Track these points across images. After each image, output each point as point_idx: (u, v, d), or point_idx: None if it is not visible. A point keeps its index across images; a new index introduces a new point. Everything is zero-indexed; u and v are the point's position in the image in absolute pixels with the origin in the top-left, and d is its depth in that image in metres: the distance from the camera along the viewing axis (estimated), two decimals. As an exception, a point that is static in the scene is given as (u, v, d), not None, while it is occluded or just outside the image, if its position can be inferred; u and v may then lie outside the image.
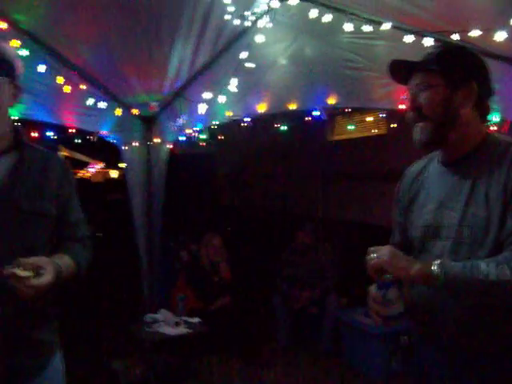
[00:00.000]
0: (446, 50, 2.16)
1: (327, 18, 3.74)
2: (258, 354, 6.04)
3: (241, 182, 10.01)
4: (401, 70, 2.14)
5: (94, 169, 16.97)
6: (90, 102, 4.88)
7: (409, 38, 3.66)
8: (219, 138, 6.09)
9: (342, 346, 6.09)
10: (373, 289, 1.96)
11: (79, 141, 5.67)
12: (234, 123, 5.66)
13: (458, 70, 2.03)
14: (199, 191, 9.42)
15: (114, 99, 5.21)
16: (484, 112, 2.07)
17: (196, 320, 5.42)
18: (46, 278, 1.91)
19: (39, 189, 2.14)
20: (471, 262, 1.79)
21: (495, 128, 4.13)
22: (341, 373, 5.67)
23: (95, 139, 5.47)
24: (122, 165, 5.98)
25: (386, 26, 3.69)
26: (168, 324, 5.21)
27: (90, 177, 16.73)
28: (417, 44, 3.63)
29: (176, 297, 5.78)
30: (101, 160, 16.12)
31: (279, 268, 6.71)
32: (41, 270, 1.90)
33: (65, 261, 2.12)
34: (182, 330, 5.18)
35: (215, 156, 10.01)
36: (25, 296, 1.88)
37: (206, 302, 6.19)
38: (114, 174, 15.99)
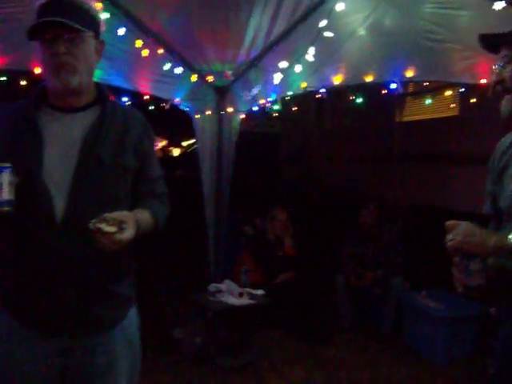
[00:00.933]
0: None
1: (412, -14, 3.66)
2: (319, 331, 6.01)
3: (306, 161, 9.98)
4: (489, 44, 2.09)
5: (156, 146, 17.20)
6: (167, 66, 4.89)
7: (499, 5, 3.48)
8: (293, 109, 6.03)
9: (403, 328, 6.03)
10: (457, 258, 1.95)
11: (153, 107, 5.70)
12: (306, 99, 5.62)
13: None
14: (262, 169, 9.43)
15: (188, 66, 5.22)
16: None
17: (259, 292, 5.44)
18: (129, 232, 1.95)
19: (120, 142, 2.17)
20: None
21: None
22: (401, 355, 5.63)
23: (168, 106, 5.50)
24: (185, 143, 6.03)
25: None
26: (232, 294, 5.23)
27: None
28: (507, 12, 3.50)
29: (240, 269, 5.80)
30: (164, 138, 16.32)
31: (343, 246, 6.66)
32: (123, 225, 1.93)
33: (144, 216, 2.16)
34: (245, 300, 5.20)
35: (280, 135, 9.99)
36: (107, 250, 1.92)
37: (270, 276, 6.20)
38: (176, 151, 16.17)
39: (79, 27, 2.02)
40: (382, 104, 5.98)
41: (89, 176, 2.07)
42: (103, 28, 2.22)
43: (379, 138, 8.28)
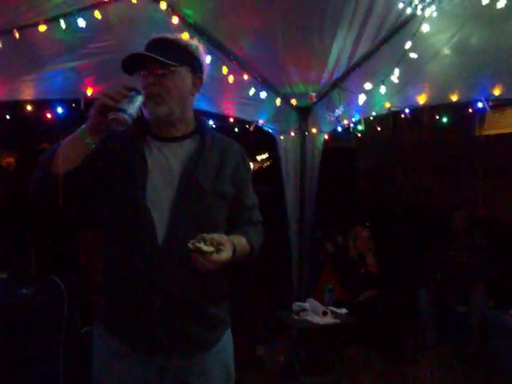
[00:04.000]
0: None
1: (501, 3, 3.62)
2: (402, 349, 5.96)
3: (384, 176, 9.91)
4: None
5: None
6: (252, 91, 5.02)
7: None
8: (377, 129, 6.03)
9: (491, 347, 5.87)
10: None
11: (237, 130, 5.81)
12: (391, 115, 5.61)
13: None
14: (343, 184, 9.41)
15: (271, 89, 5.31)
16: None
17: (343, 311, 5.44)
18: (226, 254, 2.01)
19: (219, 170, 2.25)
20: None
21: None
22: (486, 374, 5.48)
23: (253, 128, 5.60)
24: (260, 157, 6.11)
25: None
26: (315, 313, 5.25)
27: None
28: None
29: (322, 288, 5.81)
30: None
31: (433, 256, 6.61)
32: (220, 247, 2.00)
33: (241, 242, 2.22)
34: (329, 319, 5.20)
35: (357, 150, 9.96)
36: (204, 270, 1.98)
37: (352, 294, 6.19)
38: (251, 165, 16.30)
39: (168, 61, 2.12)
40: (462, 117, 5.90)
41: (188, 202, 2.16)
42: (206, 67, 2.34)
43: (459, 151, 8.17)
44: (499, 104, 6.07)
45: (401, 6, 3.87)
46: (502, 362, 5.68)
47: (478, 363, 5.76)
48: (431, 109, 5.19)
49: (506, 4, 3.59)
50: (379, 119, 5.76)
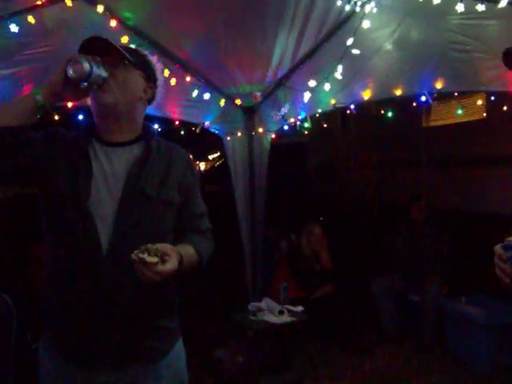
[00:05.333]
0: None
1: (437, -1, 3.67)
2: (360, 342, 6.01)
3: (334, 170, 9.99)
4: None
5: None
6: (195, 93, 4.99)
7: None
8: (324, 126, 6.08)
9: (446, 336, 5.98)
10: (498, 248, 1.91)
11: (183, 132, 5.77)
12: (331, 112, 5.63)
13: None
14: (293, 181, 9.44)
15: (216, 90, 5.28)
16: None
17: (299, 308, 5.44)
18: (171, 264, 1.96)
19: (164, 178, 2.22)
20: None
21: None
22: (443, 364, 5.60)
23: (199, 130, 5.56)
24: (211, 156, 6.08)
25: (503, 3, 3.57)
26: (272, 312, 5.24)
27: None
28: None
29: (277, 286, 5.81)
30: (190, 152, 16.41)
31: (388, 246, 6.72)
32: (165, 257, 1.95)
33: (188, 251, 2.17)
34: (285, 318, 5.20)
35: (307, 145, 10.00)
36: (148, 281, 1.93)
37: (308, 291, 6.21)
38: (202, 166, 16.25)
39: (126, 55, 2.10)
40: (408, 110, 5.97)
41: (133, 209, 2.12)
42: (158, 78, 2.33)
43: (406, 144, 8.28)
44: (444, 96, 6.18)
45: (339, 3, 3.87)
46: (456, 349, 5.80)
47: (434, 352, 5.85)
48: (376, 104, 5.23)
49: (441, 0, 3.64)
50: (328, 115, 5.79)
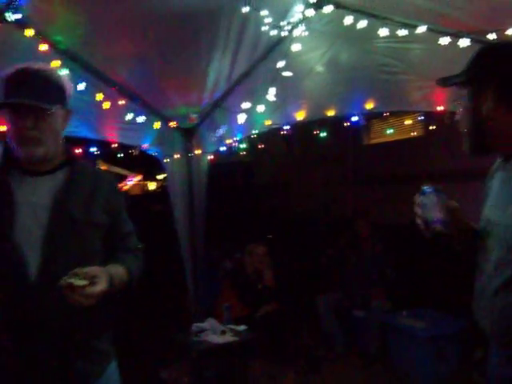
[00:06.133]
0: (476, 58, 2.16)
1: (362, 23, 3.80)
2: (306, 359, 6.05)
3: (279, 188, 10.06)
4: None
5: (132, 181, 17.18)
6: (129, 116, 4.98)
7: (445, 40, 3.69)
8: (259, 147, 6.15)
9: (390, 349, 6.07)
10: (416, 196, 2.14)
11: (122, 155, 5.76)
12: (274, 132, 5.70)
13: (473, 81, 2.09)
14: (239, 199, 9.47)
15: (153, 113, 5.30)
16: None
17: (242, 328, 5.45)
18: (100, 286, 1.98)
19: (90, 200, 2.24)
20: None
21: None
22: (389, 377, 5.66)
23: (137, 153, 5.56)
24: (160, 176, 6.07)
25: (421, 29, 3.73)
26: (214, 332, 5.24)
27: (128, 190, 16.94)
28: (453, 45, 3.66)
29: (221, 306, 5.82)
30: (139, 172, 16.34)
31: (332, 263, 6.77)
32: (95, 279, 1.97)
33: (117, 270, 2.20)
34: (228, 338, 5.20)
35: (253, 164, 10.06)
36: (80, 305, 1.94)
37: (252, 310, 6.23)
38: (152, 185, 16.21)
39: (46, 106, 2.10)
40: (349, 128, 6.09)
41: (60, 233, 2.13)
42: (70, 93, 2.29)
43: (348, 162, 8.42)
44: (383, 114, 6.34)
45: (264, 29, 3.94)
46: (399, 361, 5.90)
47: (379, 366, 5.93)
48: (310, 124, 5.32)
49: (367, 24, 3.75)
50: (273, 134, 5.85)
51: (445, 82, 2.23)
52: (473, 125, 2.10)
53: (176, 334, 5.50)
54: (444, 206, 2.08)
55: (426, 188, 2.13)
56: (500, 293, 1.99)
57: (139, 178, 16.83)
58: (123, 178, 17.32)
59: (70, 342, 2.13)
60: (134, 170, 16.08)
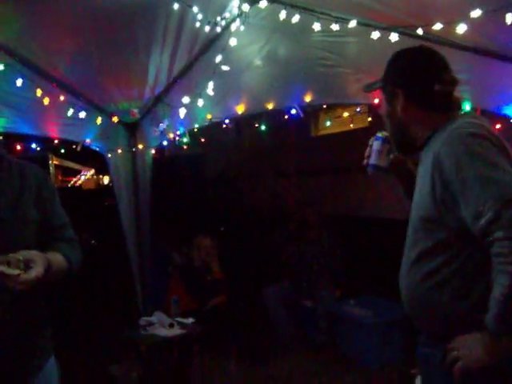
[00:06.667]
0: (388, 64, 2.35)
1: (295, 18, 3.83)
2: (254, 350, 6.11)
3: (228, 180, 10.09)
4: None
5: (85, 176, 17.00)
6: (70, 112, 4.95)
7: (375, 34, 3.77)
8: (202, 140, 6.20)
9: (337, 338, 6.19)
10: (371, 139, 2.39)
11: (63, 151, 5.73)
12: (216, 125, 5.73)
13: (386, 85, 2.30)
14: (188, 192, 9.46)
15: (95, 108, 5.28)
16: (431, 100, 2.20)
17: (190, 320, 5.48)
18: (36, 271, 1.94)
19: (18, 196, 2.21)
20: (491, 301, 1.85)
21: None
22: (336, 364, 5.78)
23: (79, 148, 5.53)
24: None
25: (353, 24, 3.79)
26: (162, 326, 5.25)
27: (82, 184, 16.76)
28: (384, 39, 3.74)
29: (170, 299, 5.84)
30: (92, 166, 16.18)
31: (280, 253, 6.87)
32: (30, 264, 1.94)
33: (56, 257, 2.17)
34: (176, 330, 5.22)
35: (202, 157, 10.06)
36: (16, 291, 1.92)
37: (200, 302, 6.26)
38: (106, 179, 16.04)
39: None
40: (297, 120, 6.16)
41: None
42: None
43: (295, 153, 8.50)
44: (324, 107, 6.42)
45: (197, 25, 3.96)
46: (347, 349, 6.03)
47: (327, 354, 6.02)
48: (251, 117, 5.37)
49: (299, 19, 3.80)
50: (222, 126, 5.88)
51: (368, 88, 2.44)
52: (394, 126, 2.30)
53: (124, 328, 5.50)
54: (384, 154, 2.34)
55: (379, 134, 2.36)
56: (409, 272, 2.15)
57: (92, 171, 16.68)
58: (76, 172, 17.14)
59: (7, 339, 2.11)
60: (87, 163, 15.94)
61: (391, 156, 2.41)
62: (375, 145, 2.38)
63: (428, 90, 2.18)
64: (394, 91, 2.24)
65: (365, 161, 2.44)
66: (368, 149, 2.43)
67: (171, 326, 5.24)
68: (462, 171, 1.89)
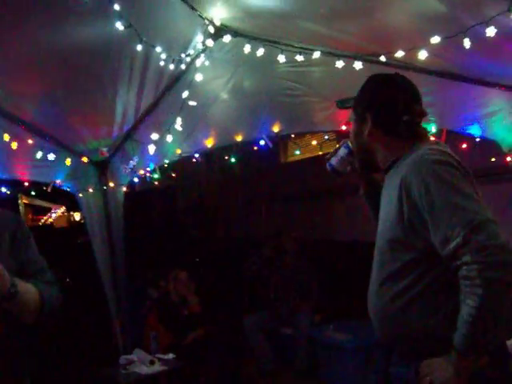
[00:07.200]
0: (362, 87, 2.41)
1: (260, 51, 3.89)
2: (236, 380, 6.08)
3: (202, 212, 10.10)
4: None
5: (55, 213, 16.81)
6: (39, 155, 4.94)
7: (340, 63, 3.84)
8: (173, 175, 6.23)
9: (319, 363, 6.18)
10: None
11: (34, 193, 5.69)
12: (186, 159, 5.75)
13: (357, 107, 2.37)
14: (162, 226, 9.45)
15: (64, 149, 5.26)
16: (397, 129, 2.25)
17: (170, 356, 5.44)
18: None
19: None
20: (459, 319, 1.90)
21: (433, 138, 4.28)
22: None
23: (50, 189, 5.50)
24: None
25: (317, 54, 3.86)
26: (143, 363, 5.20)
27: (53, 222, 16.55)
28: (348, 67, 3.82)
29: (148, 335, 5.79)
30: (62, 204, 16.00)
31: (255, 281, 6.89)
32: None
33: (27, 286, 2.10)
34: (157, 367, 5.17)
35: (173, 189, 10.06)
36: None
37: (179, 337, 6.21)
38: (77, 216, 15.89)
39: None
40: (266, 149, 6.22)
41: None
42: None
43: (266, 181, 8.55)
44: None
45: (162, 63, 4.00)
46: (328, 374, 6.02)
47: (308, 381, 6.02)
48: (221, 150, 5.40)
49: (264, 52, 3.86)
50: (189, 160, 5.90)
51: (340, 104, 2.50)
52: (358, 145, 2.37)
53: (104, 367, 5.44)
54: (346, 162, 2.50)
55: (349, 143, 2.46)
56: (378, 293, 2.21)
57: (63, 209, 16.49)
58: (47, 210, 16.95)
59: None
60: (57, 201, 15.77)
61: (348, 168, 2.53)
62: (341, 151, 2.50)
63: (396, 119, 2.23)
64: (364, 114, 2.29)
65: (328, 156, 2.57)
66: (335, 148, 2.55)
67: (152, 363, 5.19)
68: (431, 196, 1.95)
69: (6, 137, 4.41)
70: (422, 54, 3.53)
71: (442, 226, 1.91)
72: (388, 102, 2.26)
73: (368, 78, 2.39)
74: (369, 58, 3.84)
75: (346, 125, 4.58)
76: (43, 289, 2.18)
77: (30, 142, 4.74)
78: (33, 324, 2.14)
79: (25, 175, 5.30)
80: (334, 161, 2.54)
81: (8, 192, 5.20)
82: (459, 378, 1.91)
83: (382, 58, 3.75)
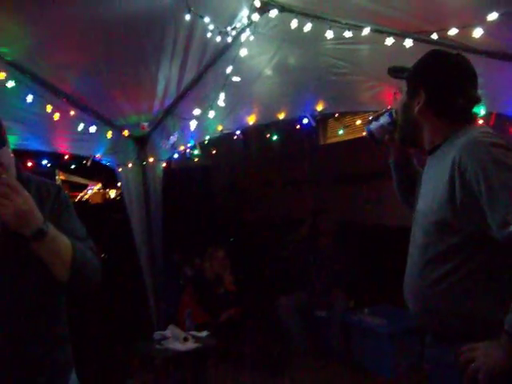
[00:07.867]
0: (420, 60, 2.33)
1: (308, 27, 3.80)
2: (269, 361, 6.06)
3: (238, 192, 10.07)
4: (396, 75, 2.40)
5: (91, 190, 17.01)
6: (80, 127, 4.94)
7: (389, 41, 3.72)
8: (213, 152, 6.18)
9: (352, 347, 6.15)
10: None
11: (74, 166, 5.71)
12: (227, 136, 5.70)
13: (411, 80, 2.28)
14: (198, 204, 9.45)
15: (104, 122, 5.26)
16: (450, 112, 2.19)
17: (204, 334, 5.44)
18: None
19: None
20: None
21: (481, 122, 4.15)
22: (351, 374, 5.74)
23: (90, 163, 5.51)
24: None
25: (366, 31, 3.74)
26: (177, 340, 5.22)
27: (89, 199, 16.75)
28: (398, 45, 3.70)
29: (183, 312, 5.80)
30: (98, 181, 16.18)
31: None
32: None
33: (58, 232, 2.09)
34: (190, 344, 5.18)
35: (210, 168, 10.06)
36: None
37: (213, 315, 6.22)
38: (112, 193, 16.04)
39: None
40: (302, 130, 6.14)
41: (8, 253, 2.05)
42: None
43: (305, 162, 8.47)
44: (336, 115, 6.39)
45: (209, 35, 3.94)
46: (362, 358, 5.98)
47: (342, 364, 5.97)
48: (263, 127, 5.34)
49: (311, 27, 3.77)
50: (231, 137, 5.86)
51: (393, 72, 2.39)
52: (405, 118, 2.31)
53: (138, 342, 5.47)
54: (384, 131, 2.45)
55: (393, 113, 2.42)
56: (420, 275, 2.16)
57: (99, 186, 16.68)
58: (83, 187, 17.16)
59: (27, 358, 2.06)
60: (94, 178, 15.94)
61: (386, 137, 2.47)
62: (383, 118, 2.46)
63: (451, 102, 2.17)
64: (417, 89, 2.22)
65: (369, 119, 2.56)
66: (378, 112, 2.52)
67: (186, 339, 5.20)
68: (488, 179, 1.89)
69: (49, 107, 4.41)
70: (477, 32, 3.38)
71: (500, 209, 1.85)
72: (446, 83, 2.19)
73: (428, 52, 2.31)
74: (420, 37, 3.71)
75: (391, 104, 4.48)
76: (77, 246, 2.16)
77: (72, 113, 4.73)
78: (67, 284, 2.11)
79: (65, 148, 5.31)
80: (373, 126, 2.50)
81: (48, 164, 5.20)
82: (510, 362, 1.86)
83: (434, 36, 3.62)
